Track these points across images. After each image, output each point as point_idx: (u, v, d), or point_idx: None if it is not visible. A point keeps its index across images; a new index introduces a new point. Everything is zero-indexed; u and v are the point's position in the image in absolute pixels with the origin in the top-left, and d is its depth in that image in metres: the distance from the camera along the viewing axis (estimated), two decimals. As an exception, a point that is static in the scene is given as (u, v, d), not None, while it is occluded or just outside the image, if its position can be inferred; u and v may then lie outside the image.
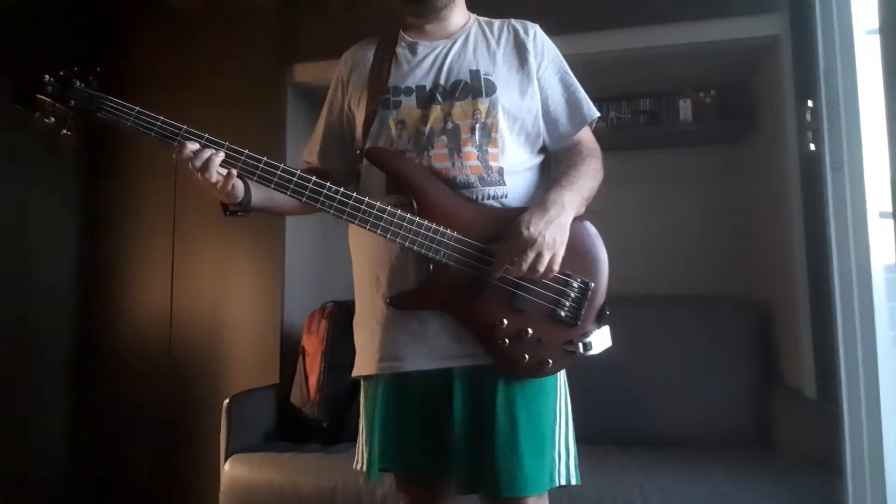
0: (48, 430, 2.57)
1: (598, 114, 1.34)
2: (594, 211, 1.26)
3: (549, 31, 1.35)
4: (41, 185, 2.57)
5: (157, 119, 1.17)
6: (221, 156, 1.16)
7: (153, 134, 1.17)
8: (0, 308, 2.37)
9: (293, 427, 2.30)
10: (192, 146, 1.15)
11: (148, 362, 2.59)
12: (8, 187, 2.42)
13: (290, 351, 2.46)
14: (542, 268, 1.12)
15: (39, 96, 1.18)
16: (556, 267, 1.14)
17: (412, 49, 1.32)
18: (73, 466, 2.61)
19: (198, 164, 1.14)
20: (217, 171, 1.15)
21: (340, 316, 2.33)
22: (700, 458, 1.94)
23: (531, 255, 1.11)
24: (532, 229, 1.11)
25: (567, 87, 1.33)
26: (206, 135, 1.17)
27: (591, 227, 1.24)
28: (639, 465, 1.89)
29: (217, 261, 2.58)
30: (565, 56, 1.35)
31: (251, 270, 2.55)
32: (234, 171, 1.17)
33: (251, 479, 2.02)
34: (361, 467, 1.28)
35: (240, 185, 1.21)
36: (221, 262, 2.58)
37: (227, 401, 2.17)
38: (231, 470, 2.07)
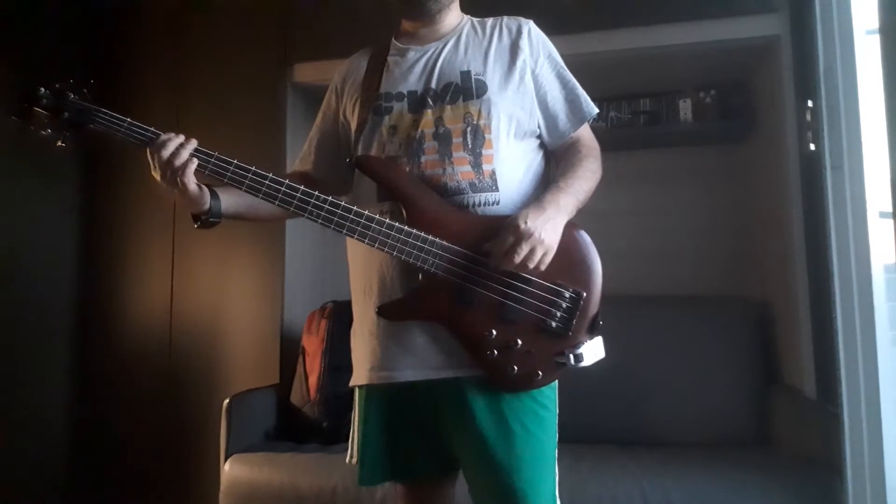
0: (48, 430, 2.56)
1: (597, 110, 1.32)
2: (593, 211, 1.25)
3: (549, 31, 1.34)
4: (41, 185, 2.57)
5: (147, 129, 1.16)
6: (193, 145, 1.14)
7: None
8: None
9: (293, 427, 2.30)
10: (175, 141, 1.14)
11: (148, 362, 2.59)
12: (8, 187, 2.42)
13: (290, 351, 2.46)
14: (532, 264, 1.10)
15: (35, 108, 1.19)
16: (544, 267, 1.12)
17: (402, 55, 1.31)
18: (73, 466, 2.61)
19: (177, 162, 1.12)
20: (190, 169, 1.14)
21: (340, 316, 2.33)
22: (700, 458, 1.94)
23: (525, 249, 1.08)
24: (530, 223, 1.09)
25: (565, 84, 1.31)
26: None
27: (584, 236, 1.20)
28: (639, 465, 1.89)
29: (217, 261, 2.58)
30: (566, 56, 1.34)
31: (251, 270, 2.55)
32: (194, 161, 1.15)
33: (251, 479, 2.02)
34: (355, 462, 1.28)
35: (205, 191, 1.19)
36: (221, 262, 2.57)
37: (227, 401, 2.16)
38: (231, 470, 2.07)
